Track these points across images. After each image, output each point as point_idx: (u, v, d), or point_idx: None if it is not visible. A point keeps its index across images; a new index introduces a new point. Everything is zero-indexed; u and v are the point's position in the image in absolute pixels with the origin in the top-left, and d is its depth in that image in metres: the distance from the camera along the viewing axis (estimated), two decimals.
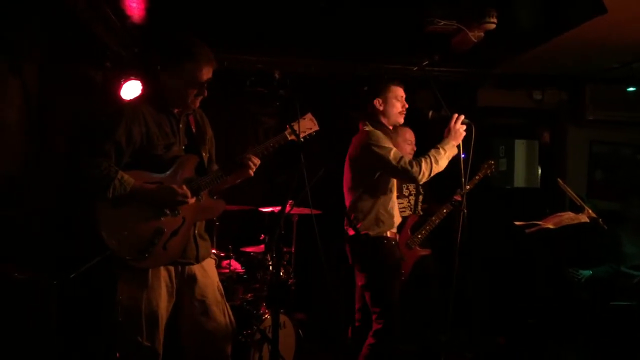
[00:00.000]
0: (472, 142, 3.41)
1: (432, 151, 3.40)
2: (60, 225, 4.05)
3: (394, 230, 3.58)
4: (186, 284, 2.85)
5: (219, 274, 3.11)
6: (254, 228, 4.65)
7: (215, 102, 3.30)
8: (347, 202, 3.61)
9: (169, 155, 2.80)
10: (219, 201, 3.04)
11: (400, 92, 3.58)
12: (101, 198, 2.61)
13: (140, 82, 4.56)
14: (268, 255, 4.21)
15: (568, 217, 3.92)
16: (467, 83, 5.68)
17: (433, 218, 4.45)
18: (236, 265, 4.35)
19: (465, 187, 3.39)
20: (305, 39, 4.75)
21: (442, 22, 4.02)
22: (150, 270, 2.72)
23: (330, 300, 4.44)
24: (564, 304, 4.83)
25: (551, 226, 3.84)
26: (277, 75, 5.29)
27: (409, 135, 4.42)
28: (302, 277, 4.61)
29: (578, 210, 3.97)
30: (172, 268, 2.80)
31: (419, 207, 4.66)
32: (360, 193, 3.53)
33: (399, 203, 3.79)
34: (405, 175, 3.39)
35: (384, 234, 3.49)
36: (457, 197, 4.32)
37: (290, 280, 4.42)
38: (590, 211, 3.92)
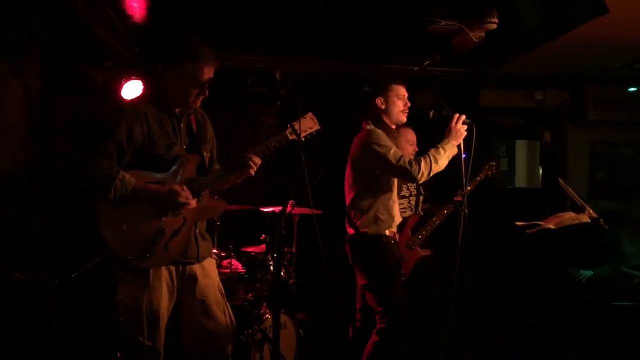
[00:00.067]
0: (474, 143, 3.41)
1: (432, 151, 3.40)
2: (61, 225, 4.05)
3: (394, 230, 3.58)
4: (187, 284, 2.84)
5: (220, 273, 3.11)
6: (255, 228, 4.65)
7: (217, 102, 3.29)
8: (348, 201, 3.62)
9: (170, 155, 2.79)
10: (220, 201, 3.04)
11: (402, 91, 3.58)
12: (102, 198, 2.61)
13: (142, 82, 4.56)
14: (269, 256, 4.21)
15: (569, 217, 3.91)
16: (469, 83, 5.68)
17: (434, 219, 4.44)
18: (237, 265, 4.35)
19: (466, 187, 3.38)
20: (307, 39, 4.75)
21: (444, 22, 4.03)
22: (151, 270, 2.71)
23: (331, 301, 4.44)
24: (565, 305, 4.83)
25: (552, 226, 3.83)
26: (278, 76, 5.29)
27: (411, 136, 4.42)
28: (303, 277, 4.61)
29: (579, 210, 3.97)
30: (173, 268, 2.80)
31: (420, 208, 4.66)
32: (361, 191, 3.53)
33: (399, 204, 3.78)
34: (405, 175, 3.39)
35: (383, 233, 3.49)
36: (458, 198, 4.32)
37: (291, 281, 4.42)
38: (591, 211, 3.92)
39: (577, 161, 6.03)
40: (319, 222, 2.88)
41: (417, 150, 4.43)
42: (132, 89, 4.54)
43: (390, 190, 3.54)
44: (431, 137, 3.61)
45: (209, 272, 2.93)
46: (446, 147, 3.40)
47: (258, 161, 2.91)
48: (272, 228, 3.12)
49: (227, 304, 2.98)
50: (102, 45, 4.38)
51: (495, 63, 5.27)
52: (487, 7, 3.88)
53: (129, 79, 4.55)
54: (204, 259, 2.91)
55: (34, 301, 2.95)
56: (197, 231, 2.87)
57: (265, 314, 4.09)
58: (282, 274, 4.26)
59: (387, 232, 3.51)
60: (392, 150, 3.39)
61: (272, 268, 4.21)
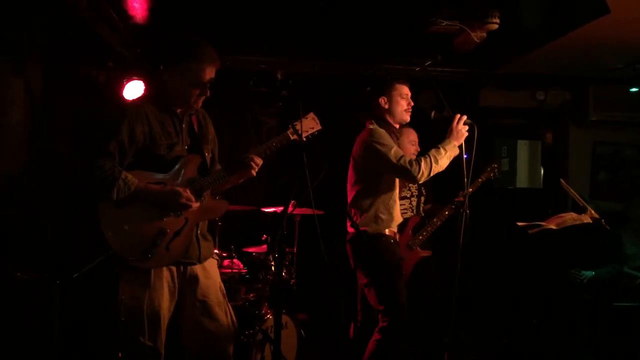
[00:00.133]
0: (475, 143, 3.41)
1: (433, 151, 3.40)
2: (63, 225, 4.06)
3: (394, 229, 3.58)
4: (188, 284, 2.84)
5: (221, 274, 3.11)
6: (257, 228, 4.65)
7: (218, 102, 3.30)
8: (349, 199, 3.62)
9: (171, 155, 2.79)
10: (222, 201, 3.04)
11: (405, 90, 3.58)
12: (104, 198, 2.61)
13: (143, 82, 4.56)
14: (270, 256, 4.21)
15: (571, 217, 3.91)
16: (470, 83, 5.68)
17: (435, 220, 4.44)
18: (238, 265, 4.35)
19: (467, 188, 3.38)
20: (307, 39, 4.75)
21: (445, 23, 4.03)
22: (152, 271, 2.71)
23: (332, 301, 4.43)
24: (566, 305, 4.82)
25: (554, 227, 3.83)
26: (279, 76, 5.29)
27: (413, 136, 4.42)
28: (304, 278, 4.61)
29: (581, 210, 3.96)
30: (174, 268, 2.79)
31: (421, 209, 4.65)
32: (362, 190, 3.54)
33: (400, 204, 3.78)
34: (404, 174, 3.39)
35: (382, 232, 3.49)
36: (460, 199, 4.31)
37: (292, 281, 4.42)
38: (592, 212, 3.91)
39: (579, 161, 6.03)
40: (320, 222, 2.88)
41: (419, 150, 4.43)
42: (134, 89, 4.55)
43: (391, 189, 3.54)
44: (432, 137, 3.61)
45: (210, 273, 2.92)
46: (447, 147, 3.40)
47: (259, 161, 2.90)
48: (274, 228, 3.12)
49: (229, 304, 2.98)
50: (103, 46, 4.38)
51: (497, 63, 5.27)
52: (489, 7, 3.88)
53: (130, 79, 4.55)
54: (205, 259, 2.91)
55: (35, 301, 2.95)
56: (199, 231, 2.87)
57: (266, 314, 4.09)
58: (283, 274, 4.25)
59: (387, 231, 3.51)
60: (393, 150, 3.39)
61: (273, 268, 4.21)
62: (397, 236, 3.66)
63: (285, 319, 4.07)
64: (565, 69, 5.35)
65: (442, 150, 3.39)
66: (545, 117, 6.14)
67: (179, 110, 2.87)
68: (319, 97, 4.55)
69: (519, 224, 3.91)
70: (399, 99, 3.56)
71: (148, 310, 2.70)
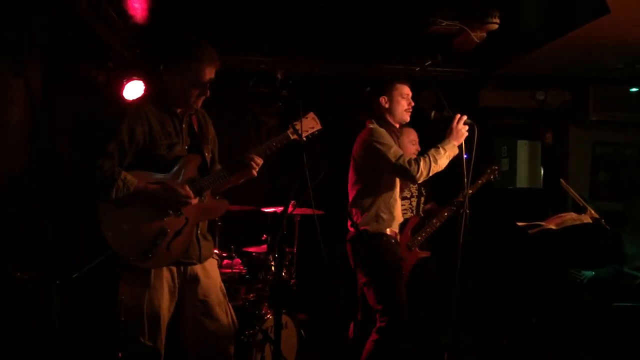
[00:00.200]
0: (475, 143, 3.41)
1: (432, 150, 3.40)
2: (63, 225, 4.05)
3: (395, 229, 3.58)
4: (188, 284, 2.84)
5: (221, 274, 3.11)
6: (257, 228, 4.65)
7: (218, 102, 3.30)
8: (350, 199, 3.62)
9: (171, 155, 2.80)
10: (222, 201, 3.04)
11: (405, 90, 3.58)
12: (104, 198, 2.61)
13: (143, 82, 4.56)
14: (270, 256, 4.20)
15: (570, 217, 3.91)
16: (470, 83, 5.68)
17: (434, 221, 4.44)
18: (238, 266, 4.35)
19: (467, 188, 3.38)
20: (307, 39, 4.75)
21: (445, 23, 4.03)
22: (152, 271, 2.71)
23: (332, 301, 4.43)
24: (566, 305, 4.82)
25: (553, 227, 3.83)
26: (279, 76, 5.29)
27: (414, 135, 4.42)
28: (304, 278, 4.61)
29: (580, 210, 3.96)
30: (174, 268, 2.79)
31: (421, 209, 4.65)
32: (362, 189, 3.54)
33: (401, 205, 3.78)
34: (403, 174, 3.39)
35: (383, 231, 3.49)
36: (460, 199, 4.31)
37: (292, 281, 4.42)
38: (592, 212, 3.91)
39: (579, 161, 6.02)
40: (320, 222, 2.88)
41: (419, 149, 4.43)
42: (134, 89, 4.54)
43: (392, 188, 3.54)
44: (432, 137, 3.61)
45: (210, 273, 2.92)
46: (446, 147, 3.39)
47: (260, 161, 2.90)
48: (274, 228, 3.12)
49: (229, 304, 2.98)
50: (103, 46, 4.38)
51: (497, 63, 5.27)
52: (488, 7, 3.88)
53: (130, 79, 4.55)
54: (206, 259, 2.91)
55: (34, 301, 2.95)
56: (199, 231, 2.87)
57: (266, 314, 4.09)
58: (283, 274, 4.25)
59: (388, 231, 3.51)
60: (392, 149, 3.39)
61: (273, 268, 4.21)
62: (399, 236, 3.66)
63: (285, 319, 4.07)
64: (565, 69, 5.35)
65: (441, 150, 3.39)
66: (545, 117, 6.14)
67: (179, 110, 2.87)
68: (319, 97, 4.55)
69: (519, 224, 3.91)
70: (399, 98, 3.56)
71: (148, 310, 2.70)
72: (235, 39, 4.65)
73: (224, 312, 2.92)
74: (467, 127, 3.43)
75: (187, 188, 2.73)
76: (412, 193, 4.62)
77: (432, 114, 3.50)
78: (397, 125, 3.61)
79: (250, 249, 4.43)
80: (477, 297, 5.18)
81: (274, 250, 3.70)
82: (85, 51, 4.39)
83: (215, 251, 3.87)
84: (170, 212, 2.73)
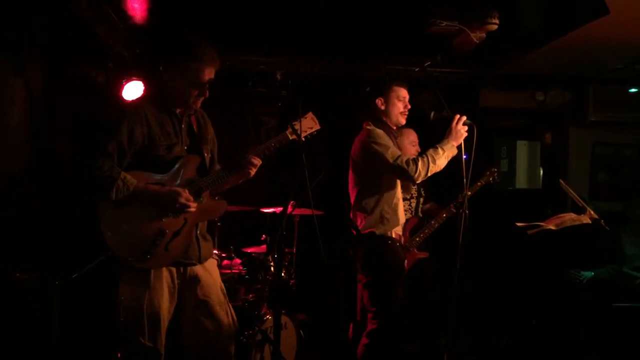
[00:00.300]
0: (474, 143, 3.41)
1: (431, 151, 3.39)
2: (62, 226, 4.05)
3: (399, 231, 3.57)
4: (188, 285, 2.84)
5: (221, 274, 3.10)
6: (256, 228, 4.65)
7: (218, 102, 3.30)
8: (352, 201, 3.62)
9: (171, 156, 2.80)
10: (221, 202, 3.04)
11: (402, 92, 3.57)
12: (104, 198, 2.61)
13: (142, 82, 4.56)
14: (269, 256, 4.20)
15: (570, 218, 3.91)
16: (469, 84, 5.67)
17: (432, 222, 4.44)
18: (238, 266, 4.35)
19: (466, 189, 3.38)
20: (307, 40, 4.75)
21: (444, 23, 4.03)
22: (152, 271, 2.72)
23: (332, 301, 4.43)
24: (566, 305, 4.83)
25: (553, 227, 3.83)
26: (278, 76, 5.29)
27: (413, 136, 4.42)
28: (303, 278, 4.61)
29: (580, 211, 3.96)
30: (174, 269, 2.80)
31: (420, 210, 4.65)
32: (363, 191, 3.53)
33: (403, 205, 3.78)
34: (402, 174, 3.39)
35: (389, 234, 3.48)
36: (459, 200, 4.31)
37: (292, 281, 4.42)
38: (592, 212, 3.91)
39: (578, 162, 6.02)
40: (320, 222, 2.88)
41: (419, 150, 4.42)
42: (133, 90, 4.54)
43: (393, 188, 3.53)
44: (432, 137, 3.61)
45: (210, 273, 2.93)
46: (445, 147, 3.39)
47: (258, 162, 2.91)
48: (273, 228, 3.11)
49: (229, 304, 2.99)
50: (103, 46, 4.38)
51: (496, 63, 5.27)
52: (488, 7, 3.88)
53: (129, 79, 4.54)
54: (205, 259, 2.91)
55: (34, 301, 2.95)
56: (198, 232, 2.87)
57: (265, 314, 4.09)
58: (283, 274, 4.25)
59: (394, 234, 3.51)
60: (390, 150, 3.39)
61: (272, 268, 4.21)
62: (402, 239, 3.66)
63: (284, 319, 4.07)
64: (565, 69, 5.35)
65: (440, 150, 3.39)
66: (545, 118, 6.14)
67: (178, 111, 2.87)
68: (319, 97, 4.54)
69: (519, 224, 3.90)
70: (395, 100, 3.56)
71: (148, 310, 2.70)
72: (235, 39, 4.65)
73: (225, 312, 2.92)
74: (466, 128, 3.43)
75: (188, 192, 2.73)
76: (411, 194, 4.62)
77: (432, 114, 3.50)
78: (394, 127, 3.61)
79: (250, 250, 4.43)
80: (477, 297, 5.18)
81: (274, 251, 3.69)
82: (85, 51, 4.39)
83: (215, 251, 3.87)
84: (169, 212, 2.73)
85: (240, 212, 4.47)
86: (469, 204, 3.45)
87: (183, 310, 2.87)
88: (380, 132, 3.48)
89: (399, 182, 3.58)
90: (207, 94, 2.84)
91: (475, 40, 4.09)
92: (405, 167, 3.32)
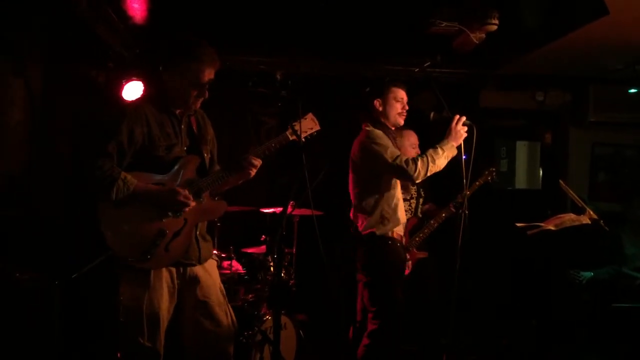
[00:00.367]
0: (474, 144, 3.40)
1: (430, 151, 3.39)
2: (62, 226, 4.05)
3: (400, 232, 3.57)
4: (188, 285, 2.85)
5: (220, 274, 3.11)
6: (256, 229, 4.65)
7: (217, 103, 3.30)
8: (353, 202, 3.62)
9: (170, 156, 2.80)
10: (221, 202, 3.04)
11: (400, 93, 3.57)
12: (104, 198, 2.61)
13: (142, 82, 4.57)
14: (269, 256, 4.20)
15: (569, 218, 3.90)
16: (469, 84, 5.67)
17: (432, 222, 4.44)
18: (237, 266, 4.35)
19: (466, 188, 3.38)
20: (307, 40, 4.75)
21: (444, 23, 4.03)
22: (152, 271, 2.72)
23: (332, 301, 4.43)
24: (565, 306, 4.83)
25: (552, 228, 3.83)
26: (278, 76, 5.29)
27: (414, 139, 4.41)
28: (303, 278, 4.61)
29: (579, 211, 3.96)
30: (173, 269, 2.80)
31: (420, 210, 4.66)
32: (363, 192, 3.53)
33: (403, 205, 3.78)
34: (401, 174, 3.39)
35: (389, 234, 3.48)
36: (458, 200, 4.31)
37: (292, 281, 4.42)
38: (591, 212, 3.91)
39: (578, 162, 6.03)
40: (319, 222, 2.88)
41: (419, 153, 4.42)
42: (133, 90, 4.55)
43: (393, 188, 3.53)
44: (432, 138, 3.61)
45: (210, 273, 2.93)
46: (444, 148, 3.39)
47: (258, 162, 2.90)
48: (273, 229, 3.12)
49: (229, 305, 2.99)
50: (103, 46, 4.38)
51: (496, 63, 5.27)
52: (488, 7, 3.88)
53: (129, 79, 4.55)
54: (205, 260, 2.91)
55: (34, 301, 2.95)
56: (198, 232, 2.87)
57: (265, 314, 4.09)
58: (282, 274, 4.25)
59: (395, 234, 3.51)
60: (389, 150, 3.39)
61: (272, 269, 4.21)
62: (404, 239, 3.66)
63: (284, 319, 4.07)
64: (565, 69, 5.35)
65: (439, 150, 3.38)
66: (545, 118, 6.14)
67: (178, 111, 2.87)
68: (319, 97, 4.55)
69: (518, 224, 3.90)
70: (393, 102, 3.55)
71: (147, 310, 2.70)
72: (235, 39, 4.65)
73: (224, 313, 2.92)
74: (466, 128, 3.42)
75: (187, 192, 2.73)
76: (411, 195, 4.62)
77: (431, 114, 3.50)
78: (393, 128, 3.61)
79: (250, 250, 4.43)
80: (477, 297, 5.19)
81: (273, 251, 3.69)
82: (85, 51, 4.39)
83: (215, 252, 3.87)
84: (169, 213, 2.73)
85: (240, 213, 4.47)
86: (469, 205, 3.45)
87: (183, 311, 2.87)
88: (379, 132, 3.48)
89: (398, 183, 3.58)
90: (207, 94, 2.84)
91: (475, 40, 4.09)
92: (405, 166, 3.31)
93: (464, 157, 3.42)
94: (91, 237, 2.70)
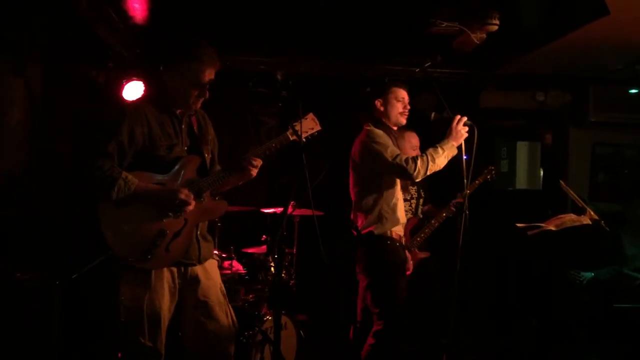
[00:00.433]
0: (475, 144, 3.40)
1: (430, 150, 3.39)
2: (62, 226, 4.05)
3: (399, 232, 3.57)
4: (188, 285, 2.84)
5: (221, 274, 3.10)
6: (256, 229, 4.65)
7: (218, 103, 3.30)
8: (353, 202, 3.63)
9: (171, 156, 2.80)
10: (221, 202, 3.04)
11: (401, 93, 3.58)
12: (105, 198, 2.61)
13: (143, 82, 4.56)
14: (270, 256, 4.20)
15: (570, 219, 3.90)
16: (470, 84, 5.67)
17: (432, 221, 4.44)
18: (238, 266, 4.35)
19: (467, 189, 3.38)
20: (307, 40, 4.75)
21: (445, 24, 4.03)
22: (152, 271, 2.71)
23: (332, 301, 4.43)
24: (566, 306, 4.83)
25: (553, 228, 3.82)
26: (279, 76, 5.30)
27: (415, 140, 4.41)
28: (303, 278, 4.61)
29: (580, 212, 3.96)
30: (174, 269, 2.79)
31: (420, 210, 4.65)
32: (363, 191, 3.54)
33: (403, 205, 3.78)
34: (401, 172, 3.39)
35: (388, 233, 3.48)
36: (459, 200, 4.31)
37: (292, 281, 4.42)
38: (592, 213, 3.91)
39: (578, 162, 6.02)
40: (320, 223, 2.87)
41: (420, 154, 4.42)
42: (133, 90, 4.54)
43: (393, 188, 3.53)
44: (432, 138, 3.61)
45: (210, 273, 2.92)
46: (445, 147, 3.39)
47: (258, 162, 2.90)
48: (273, 229, 3.11)
49: (229, 305, 2.98)
50: (103, 46, 4.38)
51: (496, 64, 5.27)
52: (488, 8, 3.88)
53: (130, 79, 4.55)
54: (206, 260, 2.91)
55: (34, 301, 2.95)
56: (198, 232, 2.87)
57: (265, 314, 4.09)
58: (283, 274, 4.25)
59: (393, 234, 3.51)
60: (389, 148, 3.39)
61: (272, 269, 4.21)
62: (403, 239, 3.65)
63: (284, 319, 4.07)
64: (565, 69, 5.35)
65: (440, 149, 3.38)
66: (545, 118, 6.14)
67: (178, 111, 2.87)
68: (319, 97, 4.55)
69: (519, 225, 3.90)
70: (394, 102, 3.56)
71: (148, 310, 2.70)
72: (235, 39, 4.65)
73: (224, 313, 2.92)
74: (466, 128, 3.42)
75: (187, 192, 2.73)
76: (411, 195, 4.62)
77: (432, 115, 3.49)
78: (395, 128, 3.61)
79: (250, 250, 4.43)
80: (477, 297, 5.19)
81: (274, 251, 3.69)
82: (85, 51, 4.38)
83: (215, 252, 3.87)
84: (170, 213, 2.73)
85: (240, 213, 4.47)
86: (469, 205, 3.45)
87: (183, 311, 2.87)
88: (379, 131, 3.48)
89: (398, 182, 3.58)
90: (208, 94, 2.83)
91: (475, 40, 4.09)
92: (405, 165, 3.32)
93: (464, 157, 3.42)
94: (91, 237, 2.69)
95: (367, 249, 3.48)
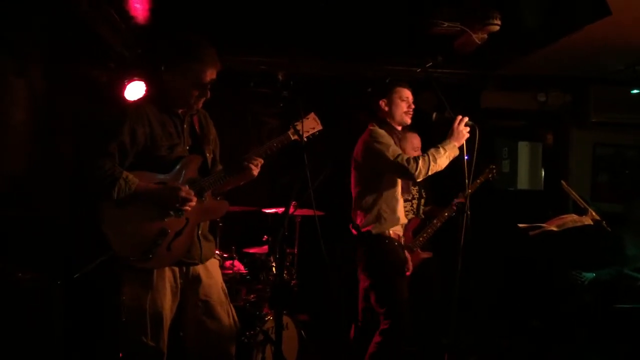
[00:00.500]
0: (476, 144, 3.41)
1: (432, 150, 3.40)
2: (64, 226, 4.05)
3: (398, 231, 3.57)
4: (190, 285, 2.84)
5: (222, 274, 3.10)
6: (258, 229, 4.65)
7: (219, 103, 3.30)
8: (353, 201, 3.63)
9: (172, 156, 2.79)
10: (223, 202, 3.04)
11: (405, 93, 3.58)
12: (105, 198, 2.61)
13: (144, 82, 4.56)
14: (271, 257, 4.21)
15: (571, 219, 3.90)
16: (471, 85, 5.67)
17: (434, 221, 4.44)
18: (239, 266, 4.35)
19: (468, 189, 3.38)
20: (308, 40, 4.75)
21: (446, 24, 4.03)
22: (154, 271, 2.71)
23: (333, 301, 4.44)
24: (567, 307, 4.82)
25: (554, 228, 3.83)
26: (280, 76, 5.30)
27: (417, 141, 4.41)
28: (305, 278, 4.61)
29: (581, 212, 3.96)
30: (176, 268, 2.79)
31: (421, 211, 4.66)
32: (363, 190, 3.55)
33: (403, 205, 3.78)
34: (402, 172, 3.39)
35: (386, 233, 3.49)
36: (460, 200, 4.31)
37: (293, 282, 4.42)
38: (593, 213, 3.91)
39: (579, 163, 6.03)
40: (321, 223, 2.88)
41: (421, 155, 4.42)
42: (135, 90, 4.54)
43: (393, 188, 3.54)
44: (434, 138, 3.61)
45: (212, 273, 2.92)
46: (446, 147, 3.40)
47: (260, 162, 2.89)
48: (275, 229, 3.12)
49: (231, 304, 2.98)
50: (104, 46, 4.39)
51: (497, 64, 5.27)
52: (489, 8, 3.88)
53: (131, 79, 4.54)
54: (207, 259, 2.91)
55: (36, 301, 2.95)
56: (200, 232, 2.87)
57: (267, 314, 4.09)
58: (284, 275, 4.25)
59: (391, 233, 3.51)
60: (391, 148, 3.40)
61: (274, 269, 4.21)
62: (402, 239, 3.66)
63: (286, 319, 4.06)
64: (566, 70, 5.35)
65: (441, 149, 3.39)
66: (546, 119, 6.14)
67: (180, 111, 2.87)
68: (320, 97, 4.55)
69: (520, 225, 3.90)
70: (398, 101, 3.57)
71: (150, 310, 2.69)
72: (235, 40, 4.65)
73: (226, 313, 2.92)
74: (468, 129, 3.43)
75: (188, 189, 2.73)
76: (413, 195, 4.62)
77: (434, 115, 3.50)
78: (399, 128, 3.62)
79: (252, 250, 4.43)
80: (478, 297, 5.18)
81: (275, 251, 3.70)
82: (86, 51, 4.38)
83: (217, 252, 3.87)
84: (171, 212, 2.73)
85: (242, 213, 4.47)
86: (471, 205, 3.45)
87: (185, 310, 2.87)
88: (382, 131, 3.49)
89: (399, 182, 3.59)
90: (209, 94, 2.84)
91: (477, 41, 4.09)
92: (406, 165, 3.32)
93: (466, 157, 3.42)
94: (93, 237, 2.69)
95: (367, 249, 3.49)
